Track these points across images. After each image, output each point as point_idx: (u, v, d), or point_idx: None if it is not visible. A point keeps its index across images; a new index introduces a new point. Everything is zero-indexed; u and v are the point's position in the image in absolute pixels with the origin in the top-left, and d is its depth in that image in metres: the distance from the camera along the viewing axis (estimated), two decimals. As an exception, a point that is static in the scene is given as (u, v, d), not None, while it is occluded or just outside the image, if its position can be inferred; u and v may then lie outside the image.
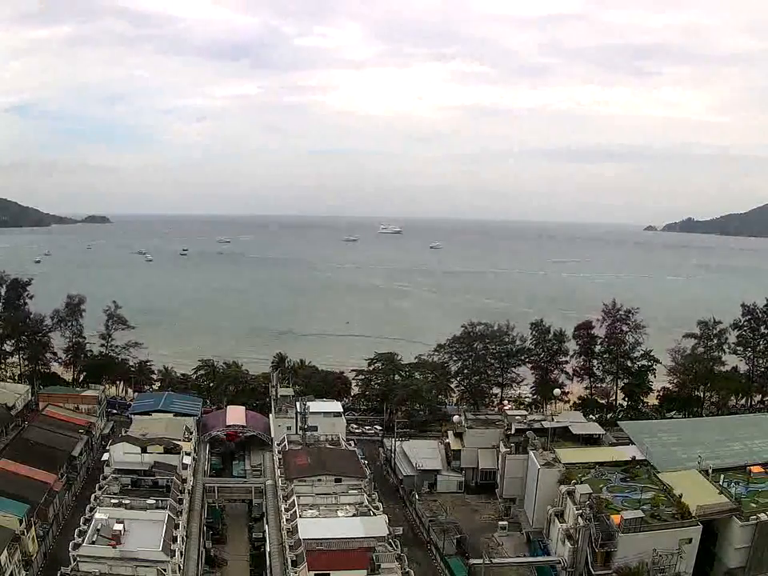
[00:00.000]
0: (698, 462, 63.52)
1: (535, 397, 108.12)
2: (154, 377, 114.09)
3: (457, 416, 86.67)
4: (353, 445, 77.31)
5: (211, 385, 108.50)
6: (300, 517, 55.28)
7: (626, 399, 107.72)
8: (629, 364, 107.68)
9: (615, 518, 53.57)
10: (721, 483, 58.90)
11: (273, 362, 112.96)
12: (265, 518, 61.55)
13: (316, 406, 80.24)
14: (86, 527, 51.34)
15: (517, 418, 77.84)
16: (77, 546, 48.52)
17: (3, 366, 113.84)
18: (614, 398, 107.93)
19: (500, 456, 73.98)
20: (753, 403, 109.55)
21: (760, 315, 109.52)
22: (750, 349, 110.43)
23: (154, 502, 55.52)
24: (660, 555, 51.84)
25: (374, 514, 56.88)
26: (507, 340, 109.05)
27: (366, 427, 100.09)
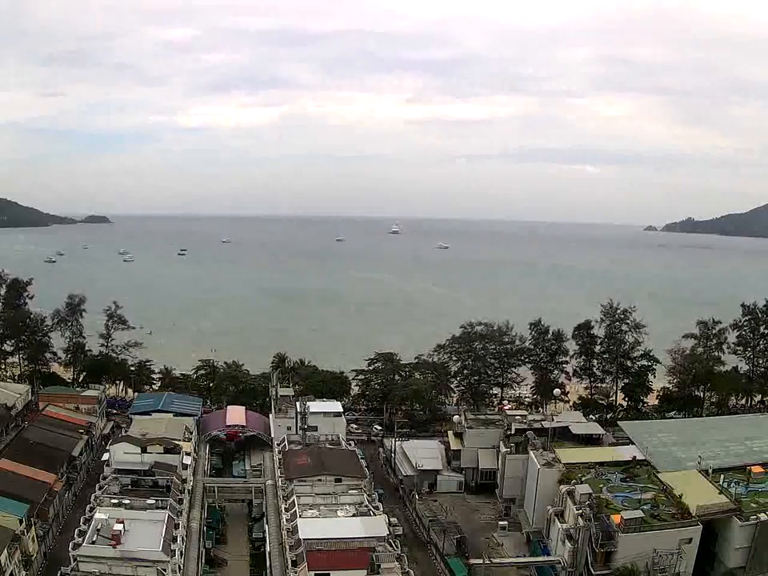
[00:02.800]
0: (698, 462, 63.49)
1: (535, 397, 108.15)
2: (154, 377, 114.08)
3: (457, 416, 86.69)
4: (353, 445, 77.35)
5: (211, 385, 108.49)
6: (300, 517, 55.32)
7: (626, 399, 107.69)
8: (629, 364, 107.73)
9: (615, 518, 53.56)
10: (721, 483, 58.87)
11: (273, 362, 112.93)
12: (265, 518, 61.56)
13: (316, 406, 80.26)
14: (86, 527, 51.37)
15: (517, 418, 77.81)
16: (77, 546, 48.57)
17: (3, 366, 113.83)
18: (613, 398, 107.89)
19: (500, 456, 73.97)
20: (753, 403, 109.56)
21: (760, 315, 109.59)
22: (749, 349, 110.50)
23: (154, 501, 55.59)
24: (660, 555, 51.82)
25: (374, 514, 56.91)
26: (507, 340, 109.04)
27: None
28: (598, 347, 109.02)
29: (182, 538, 53.20)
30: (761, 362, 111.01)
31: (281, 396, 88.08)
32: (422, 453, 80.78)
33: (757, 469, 62.49)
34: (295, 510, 56.45)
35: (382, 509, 59.61)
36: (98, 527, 49.97)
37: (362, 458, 73.66)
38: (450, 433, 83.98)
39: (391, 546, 52.21)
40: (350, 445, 76.64)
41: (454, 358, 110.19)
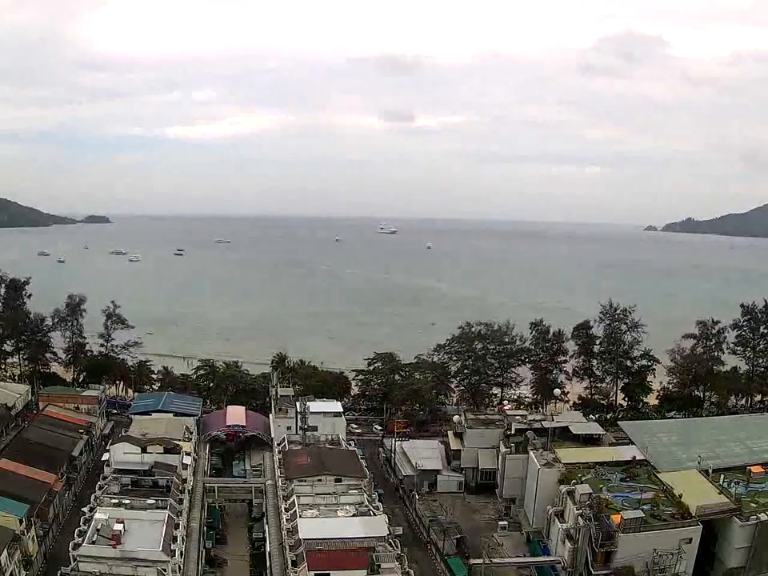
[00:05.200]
0: (698, 462, 63.48)
1: (535, 397, 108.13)
2: (154, 377, 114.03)
3: (457, 416, 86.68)
4: (353, 445, 77.34)
5: (211, 385, 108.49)
6: (300, 517, 55.27)
7: (626, 399, 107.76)
8: (628, 364, 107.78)
9: (615, 518, 53.51)
10: (721, 483, 58.87)
11: (273, 362, 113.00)
12: (265, 518, 61.56)
13: (316, 406, 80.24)
14: (86, 527, 51.32)
15: (517, 417, 77.77)
16: (77, 546, 48.49)
17: (3, 366, 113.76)
18: (614, 398, 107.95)
19: (500, 456, 73.95)
20: (753, 403, 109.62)
21: (759, 315, 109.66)
22: (749, 349, 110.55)
23: (154, 501, 55.49)
24: (660, 555, 51.75)
25: (374, 514, 56.89)
26: (507, 340, 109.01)
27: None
28: (597, 347, 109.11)
29: (182, 538, 53.15)
30: (761, 361, 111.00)
31: (281, 396, 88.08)
32: (421, 453, 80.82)
33: (757, 469, 62.44)
34: (295, 510, 56.41)
35: (382, 509, 59.60)
36: (98, 527, 49.92)
37: (362, 458, 73.62)
38: (450, 433, 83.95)
39: (391, 545, 52.21)
40: (350, 445, 76.63)
41: (454, 358, 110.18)
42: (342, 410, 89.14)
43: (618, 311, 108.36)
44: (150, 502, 55.47)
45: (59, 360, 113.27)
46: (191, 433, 76.12)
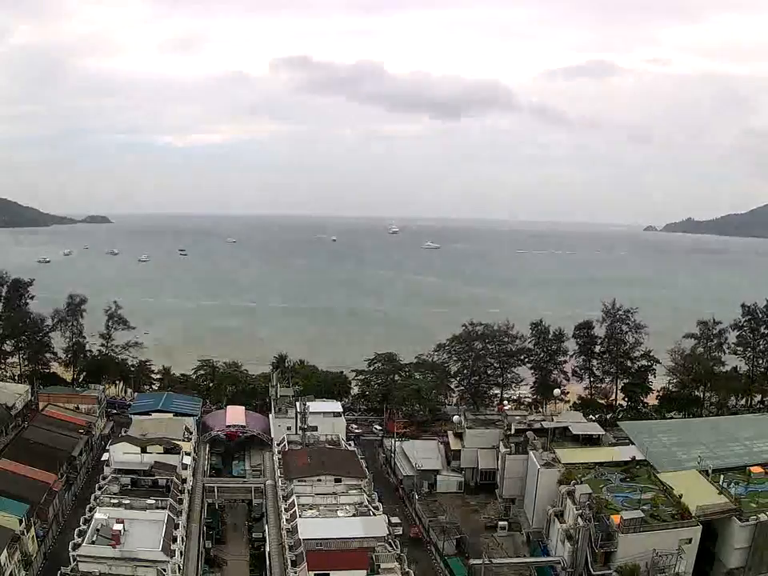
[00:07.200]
0: (698, 462, 63.53)
1: (535, 397, 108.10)
2: (154, 377, 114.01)
3: (457, 416, 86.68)
4: (353, 445, 77.34)
5: (211, 385, 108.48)
6: (300, 517, 55.28)
7: (626, 399, 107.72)
8: (629, 364, 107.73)
9: (615, 518, 53.55)
10: (721, 483, 58.87)
11: (273, 362, 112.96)
12: (265, 518, 61.54)
13: (316, 406, 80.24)
14: (85, 527, 51.36)
15: (517, 418, 77.79)
16: (77, 546, 48.57)
17: (3, 366, 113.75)
18: (613, 398, 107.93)
19: (500, 456, 73.95)
20: (753, 403, 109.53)
21: (760, 315, 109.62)
22: (750, 349, 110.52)
23: (154, 501, 55.49)
24: (660, 555, 51.77)
25: (374, 514, 56.89)
26: (507, 340, 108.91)
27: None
28: (598, 347, 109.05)
29: (182, 538, 53.16)
30: (761, 362, 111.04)
31: (281, 396, 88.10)
32: (421, 453, 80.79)
33: (757, 469, 62.51)
34: (295, 510, 56.42)
35: (381, 509, 59.57)
36: (98, 527, 49.97)
37: (361, 458, 73.61)
38: (450, 433, 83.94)
39: (391, 546, 52.21)
40: (349, 445, 76.64)
41: (454, 358, 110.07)
42: (341, 409, 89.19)
43: (619, 311, 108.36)
44: (149, 502, 55.45)
45: (59, 360, 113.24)
46: (191, 433, 76.12)
